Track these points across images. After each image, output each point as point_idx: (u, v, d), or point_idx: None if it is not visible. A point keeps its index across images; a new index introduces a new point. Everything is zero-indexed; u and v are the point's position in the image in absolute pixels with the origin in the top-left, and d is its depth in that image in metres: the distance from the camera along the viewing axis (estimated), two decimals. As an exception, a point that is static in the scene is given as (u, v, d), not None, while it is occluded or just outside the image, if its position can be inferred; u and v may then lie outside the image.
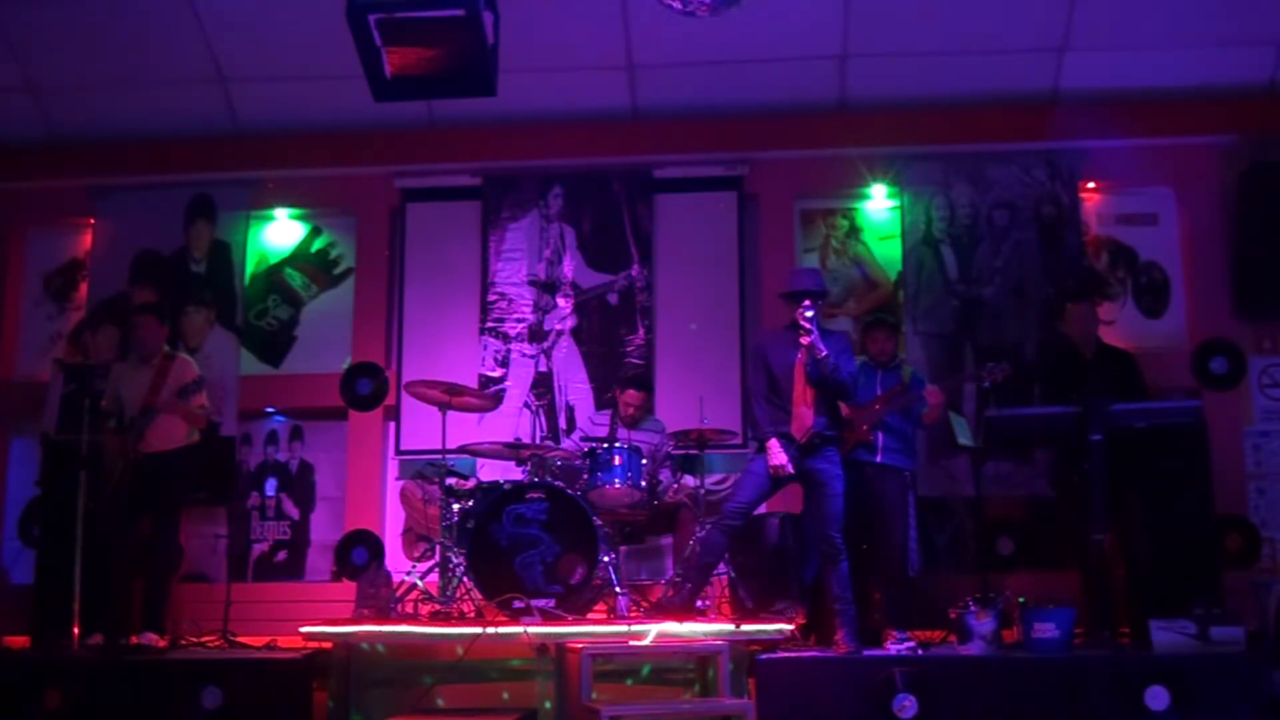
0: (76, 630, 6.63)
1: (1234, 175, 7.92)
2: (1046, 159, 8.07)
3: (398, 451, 8.17)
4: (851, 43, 7.90)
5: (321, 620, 6.07)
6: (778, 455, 6.06)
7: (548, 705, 5.73)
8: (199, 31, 7.94)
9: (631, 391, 7.24)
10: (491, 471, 7.43)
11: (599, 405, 7.90)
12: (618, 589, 6.33)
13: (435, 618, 6.38)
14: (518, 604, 6.05)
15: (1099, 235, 8.21)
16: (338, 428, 8.31)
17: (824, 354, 5.99)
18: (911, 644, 6.09)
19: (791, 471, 6.07)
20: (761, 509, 7.41)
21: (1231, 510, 7.43)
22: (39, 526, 7.66)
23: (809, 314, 5.98)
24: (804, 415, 6.07)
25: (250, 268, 8.52)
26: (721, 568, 6.80)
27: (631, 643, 5.66)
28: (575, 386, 8.13)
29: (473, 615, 6.43)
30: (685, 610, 6.12)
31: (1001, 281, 7.98)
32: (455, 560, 6.54)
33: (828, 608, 6.19)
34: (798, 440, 6.07)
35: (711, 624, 5.96)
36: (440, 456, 6.86)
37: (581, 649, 5.51)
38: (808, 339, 5.98)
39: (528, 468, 6.87)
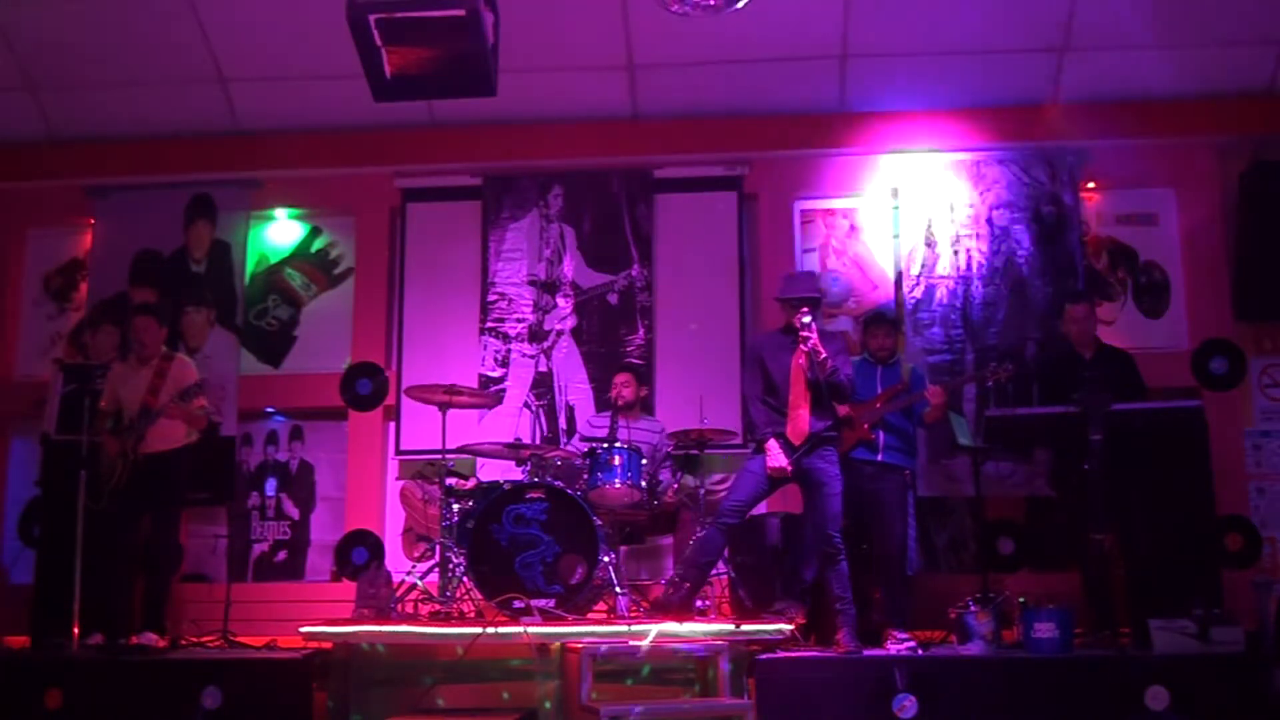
0: (76, 630, 6.65)
1: (1234, 175, 7.93)
2: (1046, 159, 8.06)
3: (398, 451, 8.16)
4: (851, 43, 7.90)
5: (321, 620, 6.08)
6: (777, 457, 6.07)
7: (548, 705, 5.73)
8: (199, 31, 7.94)
9: (623, 374, 7.32)
10: (491, 471, 7.42)
11: (599, 405, 7.89)
12: (618, 589, 6.33)
13: (435, 618, 6.38)
14: (518, 604, 6.04)
15: (1099, 235, 8.20)
16: (338, 428, 8.31)
17: (823, 357, 6.00)
18: (911, 644, 6.09)
19: (791, 473, 6.08)
20: (762, 509, 7.42)
21: (1231, 510, 7.44)
22: (39, 526, 7.66)
23: (806, 319, 6.00)
24: (801, 419, 6.07)
25: (250, 268, 8.51)
26: (721, 567, 6.80)
27: (631, 643, 5.66)
28: (575, 386, 8.12)
29: (473, 615, 6.44)
30: (685, 610, 6.12)
31: (1001, 281, 7.98)
32: (455, 560, 6.54)
33: (828, 608, 6.19)
34: (794, 443, 6.07)
35: (711, 624, 5.96)
36: (440, 456, 6.87)
37: (581, 649, 5.51)
38: (808, 345, 5.99)
39: (528, 468, 6.87)
